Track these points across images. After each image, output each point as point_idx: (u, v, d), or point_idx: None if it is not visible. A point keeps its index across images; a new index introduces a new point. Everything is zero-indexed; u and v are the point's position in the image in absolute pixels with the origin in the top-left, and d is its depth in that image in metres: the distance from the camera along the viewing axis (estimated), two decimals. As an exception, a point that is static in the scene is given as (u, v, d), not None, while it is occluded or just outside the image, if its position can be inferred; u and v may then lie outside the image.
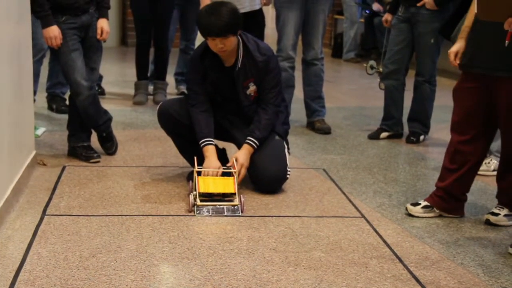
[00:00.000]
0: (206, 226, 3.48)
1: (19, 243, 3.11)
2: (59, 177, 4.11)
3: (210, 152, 3.93)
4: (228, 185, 3.43)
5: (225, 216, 3.47)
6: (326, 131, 5.60)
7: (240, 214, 3.46)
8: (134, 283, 2.78)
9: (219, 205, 3.42)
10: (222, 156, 4.29)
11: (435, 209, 3.67)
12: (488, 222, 3.58)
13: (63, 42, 4.22)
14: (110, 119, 4.66)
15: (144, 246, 3.16)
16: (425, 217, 3.66)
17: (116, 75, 7.05)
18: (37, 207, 3.58)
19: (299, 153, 4.80)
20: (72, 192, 3.87)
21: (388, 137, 5.45)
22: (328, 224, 3.54)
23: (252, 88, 4.06)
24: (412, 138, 5.37)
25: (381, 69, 6.10)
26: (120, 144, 4.78)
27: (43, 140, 4.79)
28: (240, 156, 3.92)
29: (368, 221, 3.60)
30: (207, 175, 3.90)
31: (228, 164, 4.07)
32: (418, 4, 5.00)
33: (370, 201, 3.94)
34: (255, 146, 3.95)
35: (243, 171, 3.94)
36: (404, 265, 3.04)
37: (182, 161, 4.28)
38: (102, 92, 6.52)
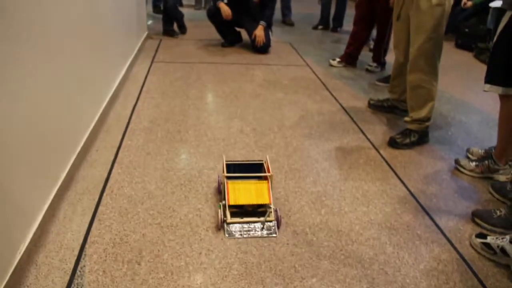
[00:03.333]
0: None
1: (142, 73, 3.23)
2: (159, 44, 4.10)
3: (222, 4, 3.86)
4: (262, 193, 1.62)
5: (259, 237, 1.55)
6: (291, 24, 5.48)
7: (276, 235, 1.54)
8: (196, 92, 2.89)
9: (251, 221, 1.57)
10: (238, 35, 4.21)
11: (343, 63, 3.72)
12: (367, 70, 3.63)
13: None
14: (183, 15, 4.57)
15: (201, 76, 3.23)
16: (338, 66, 3.70)
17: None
18: (149, 58, 3.64)
19: (277, 34, 4.69)
20: (165, 51, 3.87)
21: (322, 29, 5.30)
22: (291, 69, 3.57)
23: None
24: (334, 28, 5.25)
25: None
26: (188, 28, 4.70)
27: (150, 26, 4.68)
28: (257, 31, 3.86)
29: (310, 67, 3.64)
30: (225, 13, 3.79)
31: (252, 36, 3.86)
32: None
33: (311, 58, 3.93)
34: (264, 25, 3.88)
35: (260, 39, 3.86)
36: (325, 86, 3.15)
37: (218, 37, 4.18)
38: (181, 4, 6.28)
